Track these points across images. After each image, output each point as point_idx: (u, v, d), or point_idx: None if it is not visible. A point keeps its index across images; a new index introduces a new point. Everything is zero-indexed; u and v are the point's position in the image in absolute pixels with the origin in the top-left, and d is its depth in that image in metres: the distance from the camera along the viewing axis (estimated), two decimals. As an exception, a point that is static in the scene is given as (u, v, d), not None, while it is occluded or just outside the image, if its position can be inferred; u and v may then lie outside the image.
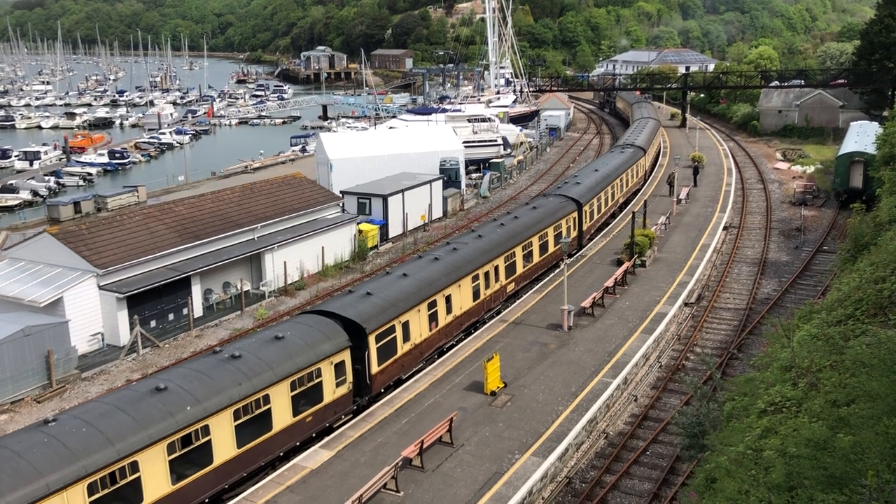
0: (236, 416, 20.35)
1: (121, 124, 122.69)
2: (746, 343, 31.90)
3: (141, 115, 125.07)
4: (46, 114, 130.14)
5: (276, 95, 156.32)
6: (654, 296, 34.81)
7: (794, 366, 14.45)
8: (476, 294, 31.53)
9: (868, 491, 7.23)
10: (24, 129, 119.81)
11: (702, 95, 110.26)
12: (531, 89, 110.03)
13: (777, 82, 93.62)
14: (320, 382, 22.98)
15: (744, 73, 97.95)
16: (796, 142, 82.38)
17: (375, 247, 47.20)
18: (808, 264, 42.02)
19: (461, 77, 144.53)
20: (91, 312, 32.29)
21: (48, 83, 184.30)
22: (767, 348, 19.04)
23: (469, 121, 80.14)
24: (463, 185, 60.85)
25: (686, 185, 56.66)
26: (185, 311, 35.19)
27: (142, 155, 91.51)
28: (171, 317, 34.87)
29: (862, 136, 57.69)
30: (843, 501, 8.08)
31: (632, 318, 32.23)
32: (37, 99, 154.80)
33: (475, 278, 31.42)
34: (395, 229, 49.56)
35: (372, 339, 24.85)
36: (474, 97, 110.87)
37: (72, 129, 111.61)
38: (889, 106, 67.40)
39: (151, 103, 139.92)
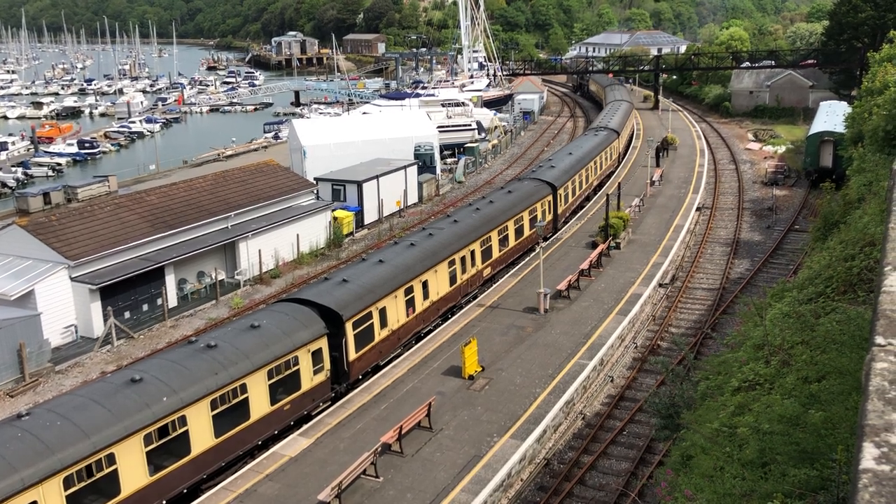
0: (213, 405, 20.26)
1: (90, 113, 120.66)
2: (720, 322, 32.30)
3: (110, 103, 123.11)
4: (12, 103, 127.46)
5: (247, 82, 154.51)
6: (628, 277, 35.08)
7: (766, 344, 14.64)
8: (453, 279, 31.57)
9: (838, 465, 7.36)
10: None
11: (674, 77, 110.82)
12: (504, 73, 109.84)
13: (748, 63, 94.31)
14: (297, 370, 22.93)
15: (715, 55, 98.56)
16: (767, 122, 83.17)
17: (351, 233, 47.02)
18: (780, 243, 42.55)
19: (434, 61, 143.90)
20: (63, 304, 31.90)
21: (13, 72, 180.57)
22: (741, 327, 19.25)
23: (443, 105, 79.90)
24: (438, 170, 60.73)
25: (659, 167, 57.02)
26: (159, 301, 34.88)
27: (112, 144, 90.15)
28: (145, 307, 34.55)
29: (831, 116, 58.29)
30: (814, 475, 8.22)
31: (607, 299, 32.47)
32: (1, 88, 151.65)
33: (451, 263, 31.45)
34: (370, 216, 49.38)
35: (349, 325, 24.81)
36: (448, 81, 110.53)
37: (39, 118, 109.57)
38: (857, 85, 68.18)
39: (121, 91, 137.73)
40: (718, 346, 27.10)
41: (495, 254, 35.40)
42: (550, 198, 41.59)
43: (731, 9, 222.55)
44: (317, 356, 23.67)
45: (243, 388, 21.13)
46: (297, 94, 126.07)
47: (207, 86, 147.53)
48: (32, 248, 32.10)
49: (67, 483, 16.88)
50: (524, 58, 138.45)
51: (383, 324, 26.74)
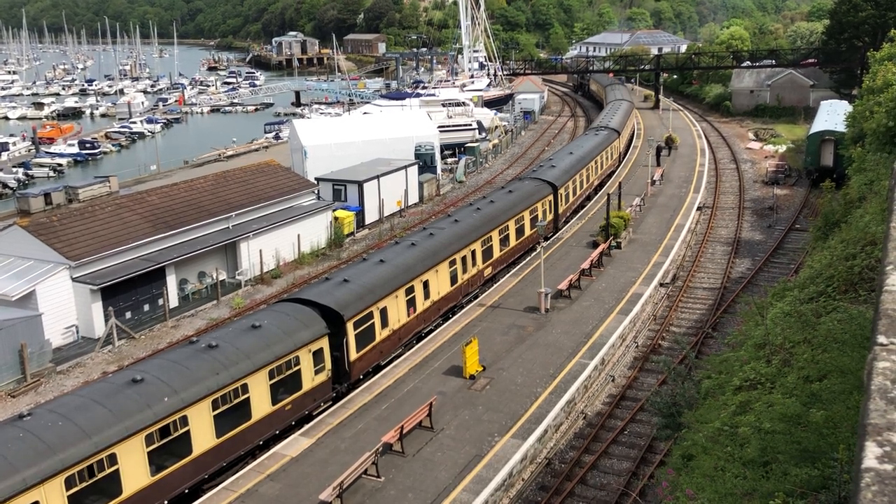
0: (214, 405, 20.26)
1: (91, 114, 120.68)
2: (721, 322, 32.27)
3: (111, 104, 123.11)
4: (13, 104, 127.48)
5: (247, 82, 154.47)
6: (629, 277, 35.07)
7: (767, 343, 14.64)
8: (454, 279, 31.57)
9: (839, 464, 7.36)
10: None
11: (674, 77, 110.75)
12: (505, 73, 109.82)
13: (748, 62, 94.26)
14: (299, 370, 22.93)
15: (716, 54, 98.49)
16: (768, 121, 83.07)
17: (352, 233, 47.03)
18: (781, 243, 42.53)
19: (435, 61, 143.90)
20: (65, 305, 31.91)
21: (14, 73, 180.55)
22: (742, 326, 19.26)
23: (443, 105, 79.85)
24: (438, 170, 60.72)
25: (660, 167, 57.01)
26: (160, 301, 34.89)
27: (112, 144, 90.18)
28: (146, 308, 34.55)
29: (832, 115, 58.22)
30: (816, 475, 8.22)
31: (608, 299, 32.46)
32: (3, 89, 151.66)
33: (452, 263, 31.45)
34: (371, 215, 49.39)
35: (350, 325, 24.81)
36: (448, 81, 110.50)
37: (40, 119, 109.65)
38: (858, 84, 68.13)
39: (121, 92, 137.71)
40: (720, 345, 27.09)
41: (496, 253, 35.39)
42: (551, 197, 41.59)
43: (732, 8, 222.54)
44: (318, 356, 23.67)
45: (244, 388, 21.14)
46: (297, 94, 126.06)
47: (208, 86, 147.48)
48: (33, 248, 32.11)
49: (69, 483, 16.89)
50: (524, 57, 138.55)
51: (384, 323, 26.74)
